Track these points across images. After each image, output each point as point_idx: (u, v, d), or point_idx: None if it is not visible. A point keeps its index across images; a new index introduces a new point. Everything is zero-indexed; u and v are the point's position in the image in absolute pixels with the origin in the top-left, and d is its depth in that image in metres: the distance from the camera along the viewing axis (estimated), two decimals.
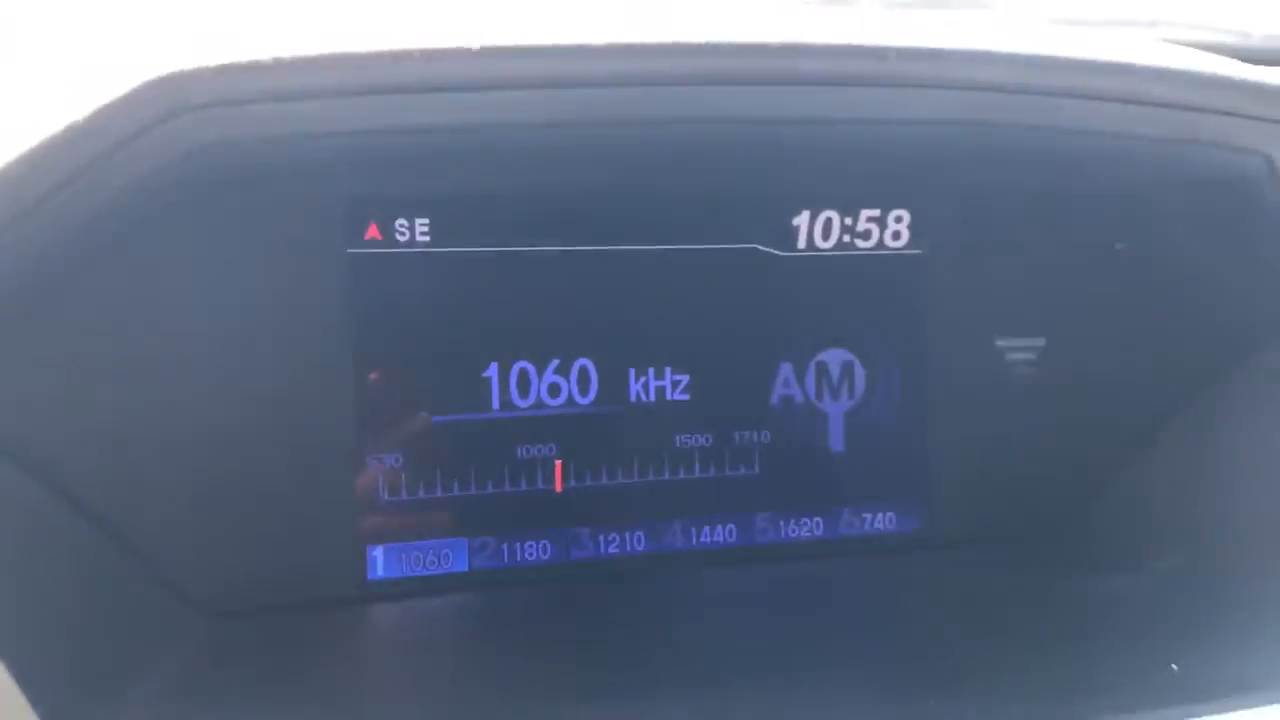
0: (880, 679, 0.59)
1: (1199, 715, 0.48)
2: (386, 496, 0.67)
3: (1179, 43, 1.36)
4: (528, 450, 0.70)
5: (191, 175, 0.50)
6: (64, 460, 0.56)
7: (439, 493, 0.68)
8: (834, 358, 0.75)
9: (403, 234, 0.67)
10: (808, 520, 0.75)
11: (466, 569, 0.68)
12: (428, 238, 0.67)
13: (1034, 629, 0.62)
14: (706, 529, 0.73)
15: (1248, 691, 0.49)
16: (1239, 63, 0.59)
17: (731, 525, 0.74)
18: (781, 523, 0.74)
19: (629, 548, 0.71)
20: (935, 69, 0.51)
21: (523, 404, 0.69)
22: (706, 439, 0.73)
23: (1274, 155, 0.57)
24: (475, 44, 0.48)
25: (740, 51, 0.55)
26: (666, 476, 0.72)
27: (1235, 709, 0.48)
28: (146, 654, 0.56)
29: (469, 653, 0.66)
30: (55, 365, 0.57)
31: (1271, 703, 0.48)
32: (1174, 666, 0.53)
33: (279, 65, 0.46)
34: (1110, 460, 0.74)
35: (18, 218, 0.47)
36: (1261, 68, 0.58)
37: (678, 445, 0.72)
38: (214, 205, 0.60)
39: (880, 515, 0.76)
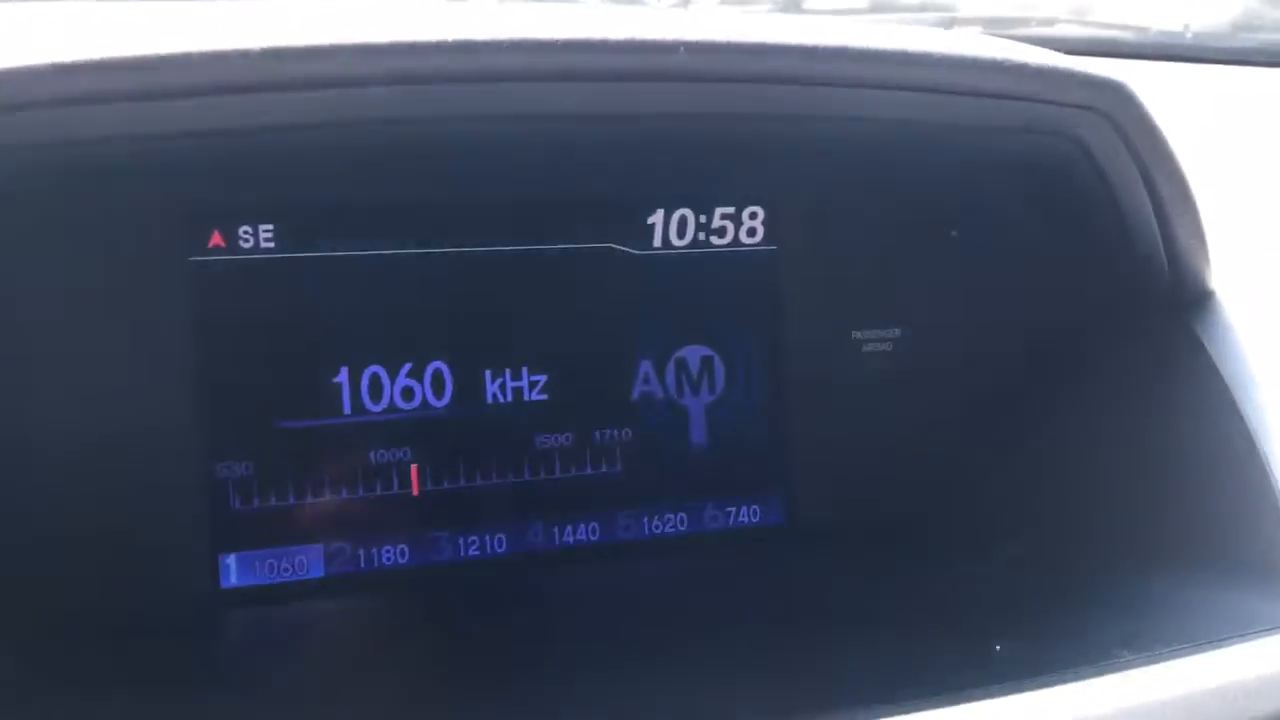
0: (731, 665, 0.60)
1: (1007, 693, 0.49)
2: (238, 504, 0.67)
3: (1079, 39, 1.39)
4: (382, 455, 0.69)
5: (12, 181, 0.49)
6: None
7: (291, 499, 0.68)
8: (693, 354, 0.76)
9: (247, 241, 0.67)
10: (671, 516, 0.75)
11: (322, 575, 0.68)
12: (273, 244, 0.67)
13: (875, 615, 0.63)
14: (569, 528, 0.73)
15: (1057, 670, 0.50)
16: (1042, 49, 0.60)
17: (594, 523, 0.74)
18: (645, 519, 0.75)
19: (490, 550, 0.72)
20: (732, 62, 0.52)
21: (375, 408, 0.69)
22: (567, 438, 0.73)
23: (1084, 138, 0.59)
24: (265, 44, 0.48)
25: (572, 48, 0.55)
26: (527, 477, 0.72)
27: (1041, 687, 0.49)
28: None
29: (324, 660, 0.65)
30: None
31: (1071, 681, 0.49)
32: (997, 647, 0.55)
33: (75, 68, 0.45)
34: (965, 449, 0.75)
35: None
36: (1064, 55, 0.59)
37: (537, 446, 0.73)
38: (45, 212, 0.60)
39: (743, 509, 0.77)
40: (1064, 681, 0.50)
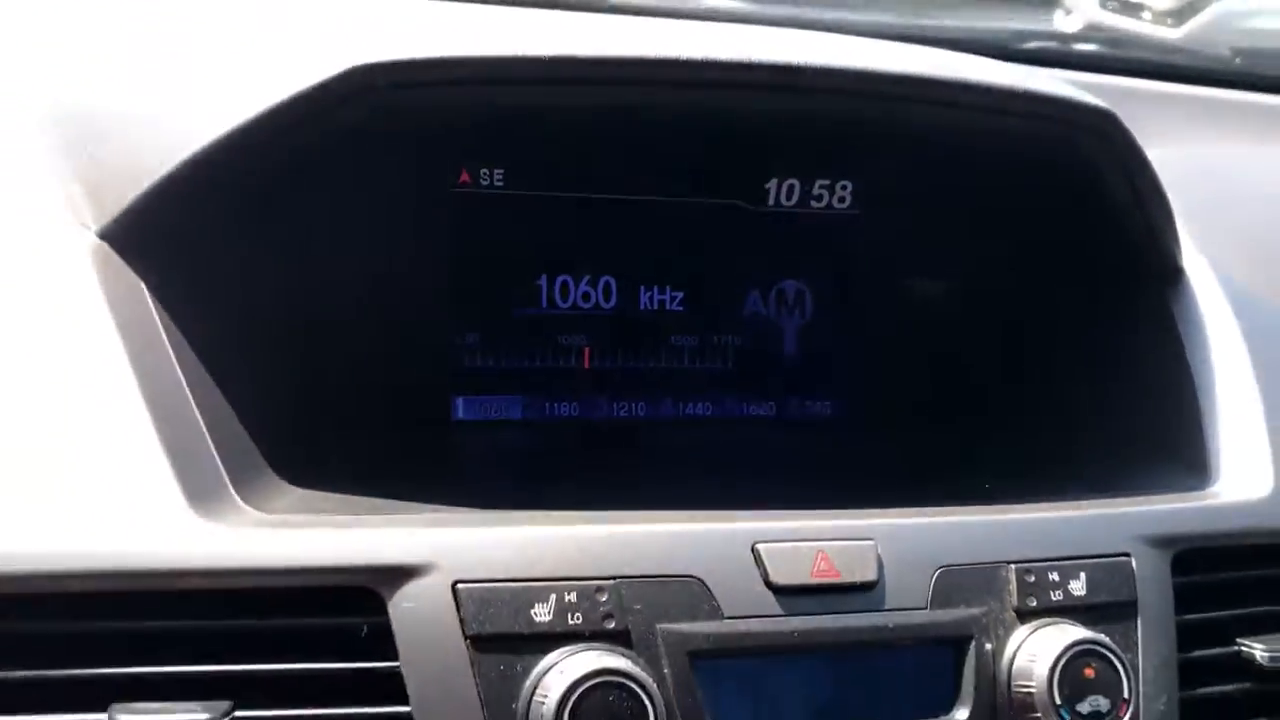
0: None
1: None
2: (467, 364, 0.96)
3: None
4: (565, 338, 0.98)
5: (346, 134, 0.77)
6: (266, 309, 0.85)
7: (504, 364, 0.96)
8: (790, 287, 1.03)
9: (485, 180, 0.94)
10: (766, 404, 1.03)
11: (520, 417, 0.97)
12: (503, 183, 0.95)
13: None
14: (690, 405, 1.01)
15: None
16: (1055, 79, 0.86)
17: (708, 403, 1.02)
18: (745, 404, 1.03)
19: (634, 412, 1.00)
20: (838, 80, 0.79)
21: (563, 305, 0.97)
22: (694, 340, 1.01)
23: (1083, 148, 0.85)
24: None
25: (750, 68, 0.80)
26: (664, 365, 1.00)
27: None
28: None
29: (518, 468, 0.95)
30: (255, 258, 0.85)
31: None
32: (987, 485, 0.81)
33: (461, 61, 0.73)
34: (984, 370, 1.02)
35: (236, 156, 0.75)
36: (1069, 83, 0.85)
37: (673, 343, 1.00)
38: (353, 157, 0.87)
39: (821, 403, 1.04)
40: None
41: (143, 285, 0.75)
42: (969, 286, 1.03)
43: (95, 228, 0.75)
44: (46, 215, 0.76)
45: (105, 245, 0.75)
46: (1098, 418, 0.96)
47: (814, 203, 1.02)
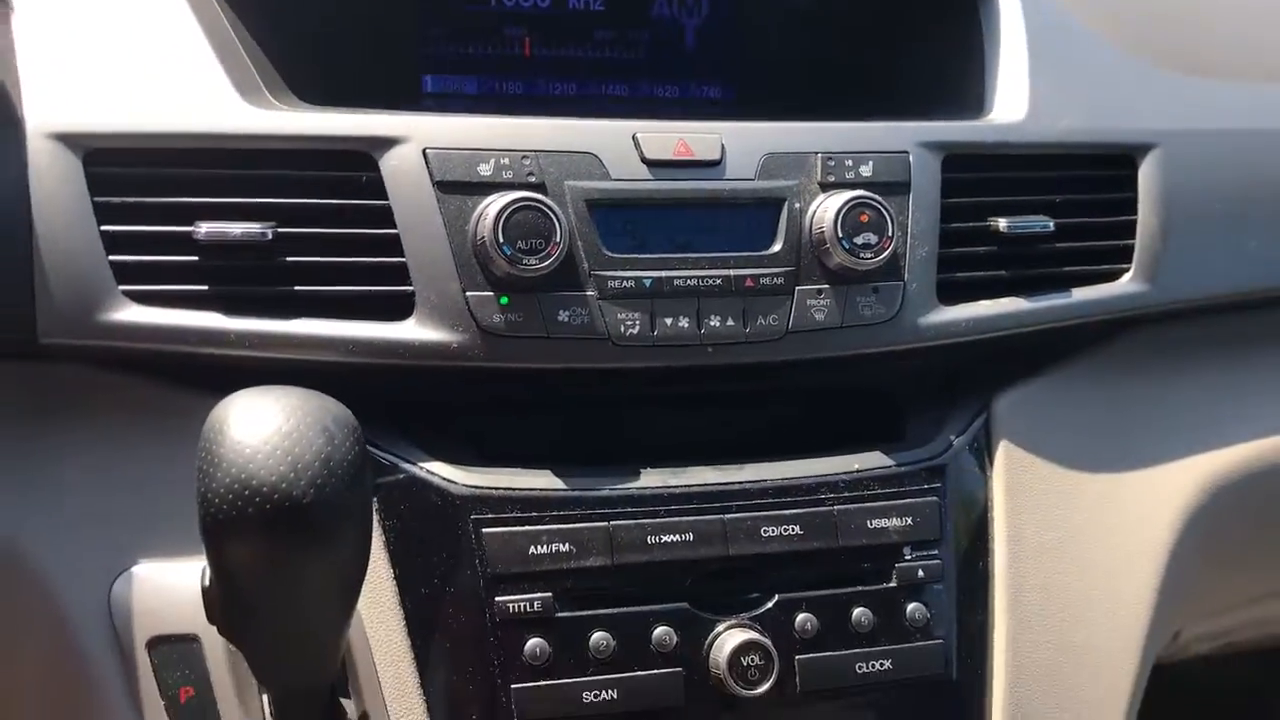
0: None
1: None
2: (433, 49, 1.24)
3: None
4: (510, 30, 1.26)
5: None
6: None
7: (463, 50, 1.24)
8: None
9: None
10: (671, 87, 1.31)
11: (476, 92, 1.25)
12: None
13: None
14: (610, 86, 1.30)
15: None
16: None
17: (625, 85, 1.30)
18: (654, 87, 1.31)
19: (565, 91, 1.28)
20: None
21: (509, 3, 1.25)
22: (611, 34, 1.29)
23: None
24: None
25: None
26: (588, 54, 1.28)
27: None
28: None
29: None
30: None
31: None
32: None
33: None
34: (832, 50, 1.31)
35: None
36: None
37: (595, 35, 1.28)
38: None
39: (713, 87, 1.33)
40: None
41: None
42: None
43: None
44: None
45: None
46: (915, 87, 1.25)
47: None
